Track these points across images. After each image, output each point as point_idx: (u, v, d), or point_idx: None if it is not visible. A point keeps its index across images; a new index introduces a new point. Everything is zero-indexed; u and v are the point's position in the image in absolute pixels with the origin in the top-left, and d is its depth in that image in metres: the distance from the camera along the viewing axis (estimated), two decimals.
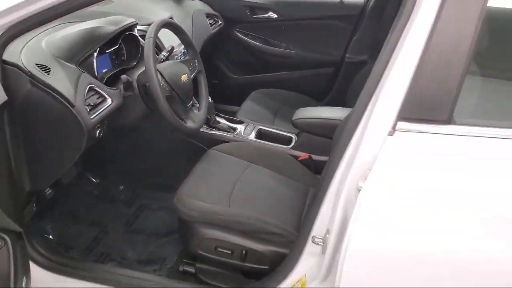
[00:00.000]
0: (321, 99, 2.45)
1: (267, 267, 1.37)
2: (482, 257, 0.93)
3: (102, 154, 1.93)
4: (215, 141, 1.82)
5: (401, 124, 0.98)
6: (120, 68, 1.58)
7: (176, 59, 1.70)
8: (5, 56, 1.21)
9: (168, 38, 1.78)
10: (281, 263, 1.27)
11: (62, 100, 1.26)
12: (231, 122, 1.98)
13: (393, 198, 0.96)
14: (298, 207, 1.48)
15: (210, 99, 1.82)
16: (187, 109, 1.56)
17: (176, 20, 1.83)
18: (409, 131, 0.97)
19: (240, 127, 1.95)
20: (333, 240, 1.06)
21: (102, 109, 1.38)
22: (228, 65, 2.64)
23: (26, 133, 1.29)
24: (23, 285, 1.16)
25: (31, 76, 1.24)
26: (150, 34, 1.42)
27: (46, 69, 1.28)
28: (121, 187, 1.99)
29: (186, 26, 1.93)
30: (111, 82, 1.51)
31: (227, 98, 2.41)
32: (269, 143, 1.88)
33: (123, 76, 1.48)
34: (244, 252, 1.38)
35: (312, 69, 2.54)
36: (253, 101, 2.27)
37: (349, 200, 1.03)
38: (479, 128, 0.97)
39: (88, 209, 1.85)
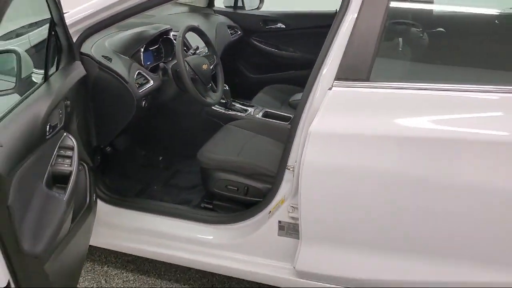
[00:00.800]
0: None
1: (261, 199, 1.89)
2: (397, 166, 1.41)
3: (146, 132, 2.52)
4: (231, 120, 2.38)
5: (337, 83, 1.49)
6: (159, 62, 2.19)
7: (199, 55, 2.28)
8: (82, 49, 1.82)
9: (195, 41, 2.37)
10: None
11: (120, 79, 1.85)
12: (244, 106, 2.55)
13: (331, 129, 1.47)
14: None
15: (226, 87, 2.40)
16: (207, 89, 2.14)
17: (202, 29, 2.43)
18: (341, 86, 1.49)
19: (250, 109, 2.51)
20: (297, 165, 1.57)
21: (146, 87, 1.97)
22: (247, 67, 3.23)
23: (95, 102, 1.88)
24: (94, 198, 1.74)
25: (99, 63, 1.84)
26: (179, 35, 2.02)
27: (108, 58, 1.88)
28: (160, 157, 2.57)
29: (210, 35, 2.52)
30: (153, 70, 2.11)
31: (246, 93, 2.95)
32: (273, 120, 2.43)
33: (161, 64, 2.08)
34: (246, 188, 1.92)
35: None
36: (264, 93, 2.82)
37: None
38: (386, 83, 1.48)
39: (136, 171, 2.43)
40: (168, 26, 2.28)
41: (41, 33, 1.61)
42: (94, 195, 1.77)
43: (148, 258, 2.11)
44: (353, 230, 1.56)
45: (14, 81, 1.43)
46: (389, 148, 1.42)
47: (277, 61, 3.16)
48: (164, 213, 1.95)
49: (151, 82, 2.01)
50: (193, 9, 3.04)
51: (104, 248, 2.01)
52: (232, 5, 3.27)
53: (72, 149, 1.46)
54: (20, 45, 1.72)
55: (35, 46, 1.71)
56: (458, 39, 1.66)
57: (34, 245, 1.15)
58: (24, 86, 1.45)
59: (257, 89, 2.89)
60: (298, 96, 2.37)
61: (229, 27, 3.06)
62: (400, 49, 1.71)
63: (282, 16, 3.13)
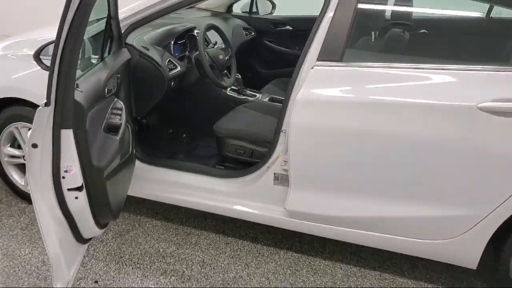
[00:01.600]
0: None
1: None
2: (359, 125, 1.89)
3: (173, 113, 3.05)
4: (242, 103, 2.89)
5: (318, 63, 1.99)
6: (185, 52, 2.73)
7: (217, 48, 2.82)
8: (126, 41, 2.36)
9: (214, 37, 2.91)
10: None
11: (155, 64, 2.39)
12: (254, 92, 3.07)
13: (312, 97, 1.96)
14: None
15: (239, 75, 2.92)
16: (222, 75, 2.67)
17: (220, 28, 2.96)
18: (322, 65, 1.99)
19: (259, 95, 3.03)
20: (289, 128, 2.07)
21: (175, 71, 2.51)
22: (259, 63, 3.76)
23: (135, 82, 2.42)
24: (133, 151, 2.27)
25: (139, 51, 2.38)
26: (201, 31, 2.56)
27: (146, 48, 2.42)
28: (184, 134, 3.09)
29: (227, 34, 3.06)
30: (180, 59, 2.64)
31: (257, 85, 3.46)
32: (277, 103, 2.93)
33: (187, 54, 2.63)
34: (251, 152, 2.43)
35: None
36: (272, 84, 3.32)
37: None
38: (354, 63, 1.97)
39: (164, 144, 2.95)
40: (193, 25, 2.83)
41: (97, 27, 2.15)
42: (134, 149, 2.31)
43: (172, 209, 2.64)
44: (328, 177, 2.04)
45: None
46: (354, 110, 1.90)
47: (285, 58, 3.68)
48: (187, 169, 2.45)
49: (179, 67, 2.55)
50: (215, 14, 3.59)
51: (138, 200, 2.53)
52: (248, 10, 3.82)
53: (121, 109, 1.99)
54: None
55: (93, 36, 2.26)
56: (408, 32, 2.16)
57: (99, 162, 1.68)
58: (85, 64, 1.99)
59: (266, 82, 3.40)
60: None
61: (244, 28, 3.60)
62: (365, 38, 2.20)
63: (290, 20, 3.67)
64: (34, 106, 2.44)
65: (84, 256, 2.30)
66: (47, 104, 1.48)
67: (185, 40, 2.76)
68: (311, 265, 2.33)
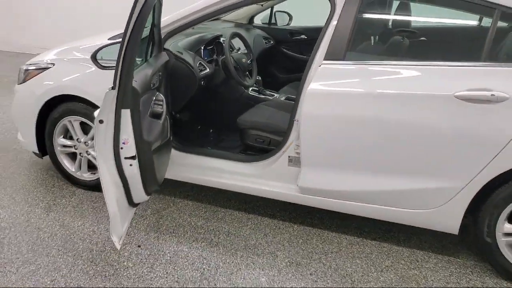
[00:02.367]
0: None
1: None
2: (358, 112, 2.29)
3: (202, 112, 3.49)
4: (262, 101, 3.32)
5: (324, 62, 2.41)
6: (213, 57, 3.18)
7: (240, 53, 3.26)
8: (164, 46, 2.82)
9: (237, 44, 3.36)
10: None
11: (188, 65, 2.84)
12: (272, 93, 3.50)
13: (320, 90, 2.37)
14: None
15: (259, 77, 3.36)
16: (244, 75, 3.11)
17: (243, 36, 3.41)
18: (328, 64, 2.40)
19: (276, 95, 3.46)
20: (300, 117, 2.48)
21: (204, 72, 2.95)
22: (278, 68, 4.19)
23: (172, 81, 2.86)
24: (171, 137, 2.70)
25: (175, 55, 2.83)
26: (227, 38, 3.01)
27: (180, 52, 2.87)
28: (211, 130, 3.53)
29: (249, 42, 3.51)
30: (208, 62, 3.09)
31: (276, 88, 3.90)
32: (292, 101, 3.35)
33: (214, 58, 3.08)
34: (269, 140, 2.85)
35: None
36: (288, 86, 3.74)
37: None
38: (355, 61, 2.38)
39: (194, 138, 3.39)
40: (219, 33, 3.29)
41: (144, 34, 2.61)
42: (171, 137, 2.75)
43: (201, 192, 3.07)
44: (333, 157, 2.43)
45: None
46: (354, 100, 2.30)
47: (300, 64, 4.06)
48: (216, 156, 2.86)
49: (208, 69, 3.00)
50: (238, 25, 4.05)
51: (172, 184, 2.96)
52: (267, 22, 4.28)
53: (162, 101, 2.44)
54: None
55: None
56: (401, 38, 2.57)
57: (148, 137, 2.13)
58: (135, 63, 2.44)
59: (284, 85, 3.83)
60: None
61: (264, 38, 4.05)
62: (364, 41, 2.62)
63: (304, 30, 4.11)
64: (85, 102, 2.91)
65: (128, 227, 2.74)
66: (113, 88, 1.93)
67: (213, 46, 3.21)
68: (320, 236, 2.72)
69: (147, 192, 2.30)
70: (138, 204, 2.38)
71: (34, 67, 3.13)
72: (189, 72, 2.84)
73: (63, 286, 2.26)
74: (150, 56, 2.61)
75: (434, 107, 2.18)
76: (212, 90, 3.28)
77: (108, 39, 2.94)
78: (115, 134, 2.00)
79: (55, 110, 3.03)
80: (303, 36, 4.11)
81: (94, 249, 2.55)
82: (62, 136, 3.13)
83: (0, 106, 5.05)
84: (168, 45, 2.85)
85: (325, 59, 2.40)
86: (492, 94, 2.09)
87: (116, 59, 1.93)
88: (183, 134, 3.12)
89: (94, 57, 2.70)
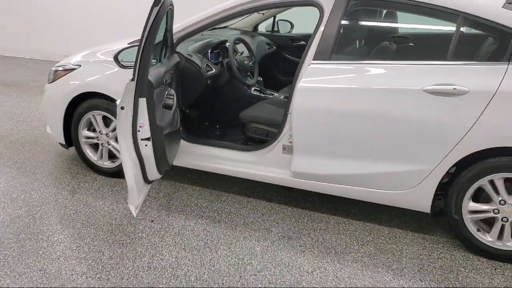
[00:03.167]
0: None
1: None
2: (342, 105, 2.66)
3: (208, 110, 3.89)
4: (263, 100, 3.71)
5: (313, 62, 2.79)
6: (219, 59, 3.59)
7: (243, 56, 3.66)
8: (176, 49, 3.23)
9: (241, 48, 3.76)
10: None
11: (196, 66, 3.24)
12: (272, 92, 3.89)
13: (308, 86, 2.75)
14: None
15: (260, 78, 3.76)
16: (246, 76, 3.51)
17: (246, 41, 3.81)
18: (316, 64, 2.78)
19: (276, 94, 3.85)
20: (292, 110, 2.86)
21: (211, 72, 3.35)
22: (279, 71, 4.58)
23: (182, 80, 3.27)
24: (180, 128, 3.11)
25: (185, 57, 3.24)
26: (231, 42, 3.41)
27: (190, 55, 3.28)
28: (217, 126, 3.92)
29: (252, 47, 3.91)
30: (215, 64, 3.50)
31: (277, 90, 4.29)
32: None
33: (220, 59, 3.48)
34: (267, 132, 3.23)
35: None
36: (288, 87, 4.11)
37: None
38: (339, 62, 2.76)
39: (201, 133, 3.79)
40: (225, 39, 3.70)
41: (158, 38, 3.02)
42: (180, 127, 3.15)
43: (207, 179, 3.46)
44: (322, 144, 2.80)
45: None
46: (337, 94, 2.67)
47: None
48: (220, 146, 3.25)
49: (214, 70, 3.40)
50: (243, 32, 4.46)
51: (182, 171, 3.36)
52: (270, 29, 4.68)
53: (173, 95, 2.84)
54: None
55: (155, 44, 3.13)
56: (378, 41, 2.95)
57: (160, 123, 2.53)
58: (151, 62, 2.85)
59: (284, 86, 4.21)
60: None
61: (267, 43, 4.45)
62: (346, 44, 3.00)
63: (304, 37, 4.49)
64: (107, 98, 3.32)
65: (142, 206, 3.13)
66: (132, 80, 2.34)
67: (219, 50, 3.62)
68: (310, 216, 3.08)
69: (160, 171, 2.70)
70: (152, 181, 2.77)
71: (62, 69, 3.56)
72: (197, 72, 3.24)
73: (87, 251, 2.65)
74: (164, 57, 3.01)
75: (405, 100, 2.54)
76: (218, 89, 3.66)
77: (127, 44, 3.36)
78: (133, 118, 2.41)
79: (81, 105, 3.44)
80: (302, 42, 4.49)
81: (113, 223, 2.95)
82: (86, 129, 3.54)
83: (28, 106, 5.52)
84: (180, 48, 3.25)
85: (314, 59, 2.78)
86: (454, 88, 2.44)
87: (135, 58, 2.34)
88: (192, 128, 3.52)
89: (116, 58, 3.13)
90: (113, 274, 2.46)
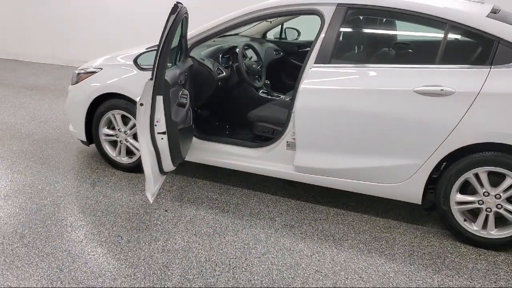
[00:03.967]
0: None
1: None
2: (340, 104, 2.92)
3: (219, 110, 4.17)
4: (270, 101, 3.98)
5: (314, 65, 3.05)
6: (229, 63, 3.87)
7: (252, 60, 3.94)
8: (190, 54, 3.52)
9: (250, 54, 4.04)
10: None
11: (208, 69, 3.52)
12: (279, 95, 4.16)
13: (310, 87, 3.01)
14: None
15: (268, 81, 4.03)
16: (254, 79, 3.78)
17: (254, 46, 4.09)
18: (317, 67, 3.05)
19: (283, 96, 4.12)
20: (295, 109, 3.12)
21: (222, 75, 3.63)
22: (286, 76, 4.84)
23: (195, 81, 3.55)
24: (192, 125, 3.39)
25: (198, 61, 3.52)
26: (240, 49, 3.70)
27: (202, 59, 3.57)
28: (227, 126, 4.20)
29: (261, 53, 4.20)
30: (225, 68, 3.78)
31: (284, 92, 4.57)
32: None
33: (230, 63, 3.77)
34: (273, 130, 3.50)
35: None
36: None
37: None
38: (338, 65, 3.02)
39: (212, 132, 4.06)
40: (235, 44, 3.99)
41: (174, 43, 3.31)
42: (193, 124, 3.43)
43: (217, 174, 3.73)
44: (322, 141, 3.05)
45: None
46: (335, 94, 2.94)
47: None
48: (229, 143, 3.51)
49: (224, 73, 3.69)
50: (253, 39, 4.75)
51: (194, 166, 3.63)
52: (278, 37, 4.97)
53: (186, 95, 3.12)
54: None
55: (171, 49, 3.42)
56: (374, 46, 3.21)
57: (175, 118, 2.81)
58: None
59: (290, 89, 4.47)
60: None
61: (275, 50, 4.73)
62: (345, 49, 3.27)
63: (310, 43, 4.73)
64: (126, 98, 3.62)
65: (157, 197, 3.41)
66: (151, 79, 2.63)
67: (229, 55, 3.91)
68: (312, 208, 3.34)
69: (174, 163, 2.98)
70: (167, 172, 3.05)
71: (84, 71, 3.87)
72: (209, 75, 3.52)
73: (107, 235, 2.93)
74: (179, 61, 3.30)
75: (397, 100, 2.79)
76: (228, 91, 3.94)
77: (146, 49, 3.66)
78: (151, 114, 2.69)
79: (101, 105, 3.74)
80: (308, 49, 4.75)
81: (130, 212, 3.23)
82: (106, 127, 3.84)
83: (50, 108, 5.86)
84: (193, 53, 3.53)
85: (315, 63, 3.04)
86: (441, 89, 2.69)
87: (153, 60, 2.63)
88: (204, 127, 3.79)
89: (135, 61, 3.43)
90: (130, 255, 2.73)
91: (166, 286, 2.47)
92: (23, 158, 4.18)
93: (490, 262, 2.72)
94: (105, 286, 2.46)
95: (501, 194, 2.71)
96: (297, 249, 2.82)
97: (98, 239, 2.90)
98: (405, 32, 3.33)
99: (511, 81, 2.60)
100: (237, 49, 3.97)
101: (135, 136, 3.67)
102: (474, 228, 2.84)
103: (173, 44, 3.09)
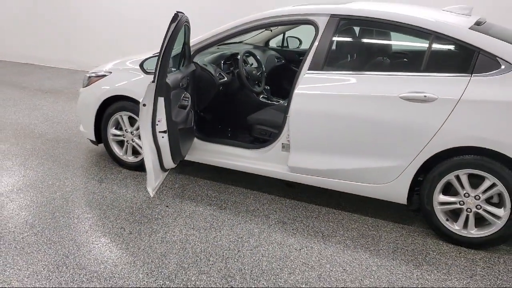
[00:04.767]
0: None
1: None
2: (331, 108, 3.12)
3: (220, 114, 4.38)
4: (269, 106, 4.19)
5: (308, 72, 3.25)
6: (230, 69, 4.09)
7: (253, 67, 4.16)
8: (193, 60, 3.74)
9: (251, 61, 4.26)
10: None
11: (210, 74, 3.73)
12: (279, 100, 4.36)
13: (303, 92, 3.21)
14: None
15: (268, 87, 4.24)
16: (254, 84, 3.99)
17: (255, 54, 4.31)
18: (310, 73, 3.24)
19: (282, 101, 4.32)
20: (289, 112, 3.32)
21: (223, 80, 3.84)
22: (287, 82, 5.02)
23: (197, 86, 3.77)
24: (194, 126, 3.61)
25: (201, 66, 3.74)
26: (241, 55, 3.91)
27: (205, 65, 3.79)
28: (229, 129, 4.40)
29: (262, 60, 4.41)
30: (227, 73, 4.00)
31: (284, 98, 4.76)
32: None
33: (231, 69, 3.98)
34: (270, 133, 3.70)
35: None
36: None
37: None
38: (330, 72, 3.22)
39: (213, 135, 4.27)
40: (237, 51, 4.21)
41: (177, 50, 3.53)
42: (194, 126, 3.64)
43: (217, 174, 3.93)
44: (314, 143, 3.24)
45: None
46: (327, 99, 3.13)
47: None
48: (228, 144, 3.72)
49: (225, 78, 3.90)
50: (256, 47, 4.97)
51: (195, 166, 3.84)
52: (280, 45, 5.18)
53: (188, 98, 3.34)
54: None
55: (174, 56, 3.64)
56: (364, 55, 3.40)
57: (176, 119, 3.02)
58: (170, 69, 3.36)
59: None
60: None
61: (276, 57, 4.94)
62: (337, 58, 3.46)
63: None
64: (133, 101, 3.84)
65: (159, 194, 3.63)
66: (153, 82, 2.85)
67: (231, 61, 4.12)
68: (305, 207, 3.52)
69: (174, 160, 3.19)
70: (168, 169, 3.26)
71: (95, 75, 4.11)
72: (211, 79, 3.73)
73: (111, 227, 3.15)
74: (182, 66, 3.52)
75: (384, 105, 2.97)
76: (230, 96, 4.15)
77: (152, 54, 3.90)
78: (153, 114, 2.91)
79: (110, 107, 3.97)
80: None
81: (133, 207, 3.44)
82: (114, 127, 4.06)
83: (63, 110, 6.13)
84: (196, 59, 3.76)
85: (309, 69, 3.24)
86: (424, 96, 2.87)
87: (155, 64, 2.86)
88: (206, 129, 4.00)
89: (141, 66, 3.66)
90: (131, 245, 2.94)
91: (162, 273, 2.67)
92: (35, 156, 4.43)
93: (468, 259, 2.88)
94: (107, 272, 2.67)
95: (480, 196, 2.87)
96: (288, 243, 3.01)
97: (102, 230, 3.11)
98: (393, 42, 3.52)
99: (490, 89, 2.77)
100: (239, 56, 4.18)
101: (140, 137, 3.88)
102: (455, 227, 3.00)
103: (176, 50, 3.31)
